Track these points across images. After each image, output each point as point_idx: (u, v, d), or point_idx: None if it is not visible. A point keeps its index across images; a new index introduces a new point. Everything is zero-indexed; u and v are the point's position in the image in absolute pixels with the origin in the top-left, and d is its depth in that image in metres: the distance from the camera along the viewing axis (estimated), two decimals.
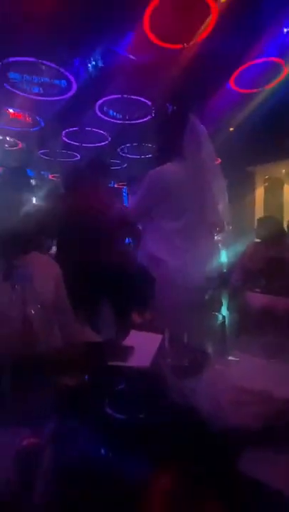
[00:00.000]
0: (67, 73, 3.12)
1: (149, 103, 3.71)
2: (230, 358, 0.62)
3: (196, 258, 1.33)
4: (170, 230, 1.34)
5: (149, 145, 5.18)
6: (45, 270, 0.94)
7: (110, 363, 0.82)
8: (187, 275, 1.30)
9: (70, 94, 3.41)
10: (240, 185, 5.88)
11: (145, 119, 3.97)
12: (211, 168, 1.37)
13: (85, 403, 0.65)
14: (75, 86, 3.29)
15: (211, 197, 1.34)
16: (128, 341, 0.95)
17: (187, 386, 0.60)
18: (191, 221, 1.34)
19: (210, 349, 0.66)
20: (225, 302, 3.06)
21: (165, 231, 1.35)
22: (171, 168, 1.37)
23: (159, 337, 0.93)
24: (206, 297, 1.45)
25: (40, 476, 0.47)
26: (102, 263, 1.61)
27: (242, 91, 3.44)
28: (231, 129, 4.58)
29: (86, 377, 0.74)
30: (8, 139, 4.99)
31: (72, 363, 0.73)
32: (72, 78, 3.18)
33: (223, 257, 4.23)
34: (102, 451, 0.53)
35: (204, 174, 1.34)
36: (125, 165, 6.15)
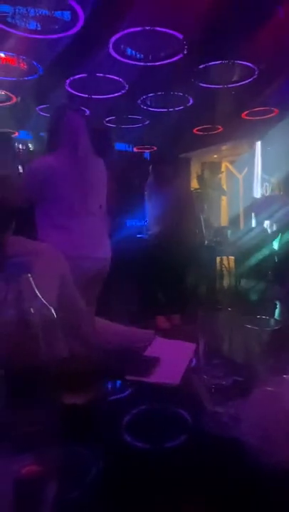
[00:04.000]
0: (71, 1, 3.08)
1: (181, 36, 3.58)
2: (286, 376, 0.61)
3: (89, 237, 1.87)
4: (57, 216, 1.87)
5: (180, 94, 5.05)
6: (47, 260, 0.97)
7: (129, 378, 0.84)
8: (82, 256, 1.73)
9: (76, 29, 3.38)
10: None
11: (175, 59, 3.86)
12: (89, 160, 1.95)
13: (96, 426, 0.67)
14: (82, 18, 3.25)
15: (90, 184, 1.93)
16: (153, 351, 0.96)
17: (228, 412, 0.60)
18: (75, 206, 1.88)
19: (259, 364, 0.65)
20: (279, 303, 2.99)
21: (53, 217, 1.88)
22: (47, 160, 1.92)
23: (191, 346, 0.93)
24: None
25: None
26: None
27: None
28: None
29: (99, 394, 0.76)
30: None
31: (82, 376, 0.75)
32: (78, 8, 3.14)
33: (276, 243, 4.12)
34: (116, 484, 0.54)
35: (82, 165, 1.90)
36: (148, 121, 6.08)
